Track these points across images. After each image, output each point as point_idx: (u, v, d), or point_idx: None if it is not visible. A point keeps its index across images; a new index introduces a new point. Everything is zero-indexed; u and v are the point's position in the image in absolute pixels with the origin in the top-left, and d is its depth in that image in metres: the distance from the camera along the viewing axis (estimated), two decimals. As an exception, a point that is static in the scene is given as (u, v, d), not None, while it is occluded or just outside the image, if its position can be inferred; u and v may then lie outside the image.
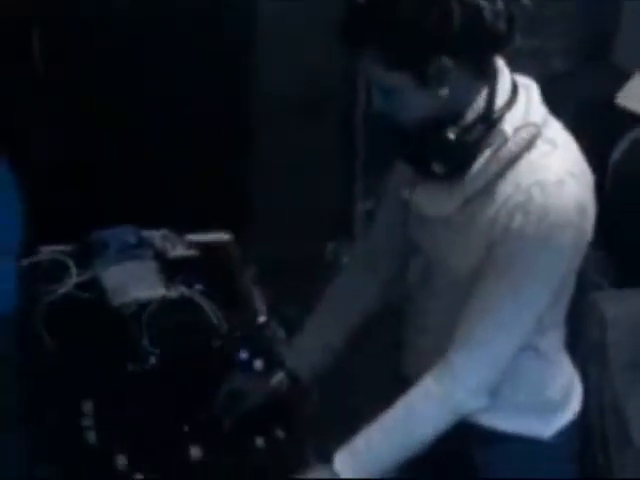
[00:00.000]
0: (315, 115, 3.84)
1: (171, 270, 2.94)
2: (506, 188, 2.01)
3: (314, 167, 3.84)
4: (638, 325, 3.16)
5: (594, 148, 2.12)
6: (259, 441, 2.40)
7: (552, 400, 2.32)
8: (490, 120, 2.00)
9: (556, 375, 2.33)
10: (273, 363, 2.50)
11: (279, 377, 2.45)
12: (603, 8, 4.01)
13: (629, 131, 3.35)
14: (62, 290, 2.86)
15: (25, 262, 2.95)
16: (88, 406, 2.46)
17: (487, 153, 2.01)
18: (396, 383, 2.42)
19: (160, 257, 3.00)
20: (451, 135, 1.99)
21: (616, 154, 3.28)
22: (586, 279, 2.32)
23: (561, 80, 3.76)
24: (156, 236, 3.08)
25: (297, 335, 2.50)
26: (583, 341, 3.13)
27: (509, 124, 2.00)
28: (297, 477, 2.18)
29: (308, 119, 3.83)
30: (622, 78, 3.60)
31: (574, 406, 2.37)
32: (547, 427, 2.31)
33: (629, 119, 3.38)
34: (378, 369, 2.77)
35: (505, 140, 1.99)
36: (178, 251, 3.05)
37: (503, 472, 2.32)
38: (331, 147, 3.89)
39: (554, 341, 2.29)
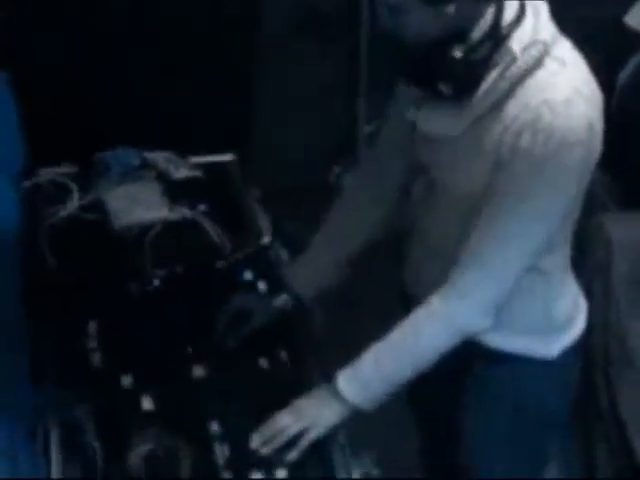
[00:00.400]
0: (319, 37, 3.80)
1: (174, 192, 2.92)
2: (514, 107, 1.99)
3: (318, 90, 3.82)
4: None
5: (601, 69, 2.09)
6: (262, 362, 2.40)
7: (557, 320, 2.33)
8: (497, 38, 1.97)
9: (561, 295, 2.33)
10: (277, 284, 2.50)
11: (283, 298, 2.45)
12: None
13: (637, 52, 3.31)
14: (65, 212, 2.85)
15: (26, 184, 2.94)
16: (92, 327, 2.47)
17: (495, 72, 1.98)
18: (399, 302, 2.45)
19: (163, 179, 2.98)
20: (458, 54, 1.95)
21: (623, 76, 3.26)
22: (592, 200, 2.30)
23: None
24: (159, 158, 3.05)
25: (301, 256, 2.50)
26: (588, 261, 3.14)
27: (517, 42, 1.96)
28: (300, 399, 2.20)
29: (312, 41, 3.80)
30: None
31: (578, 326, 2.37)
32: (552, 347, 2.31)
33: (637, 40, 3.34)
34: (382, 289, 2.75)
35: (513, 58, 1.96)
36: (181, 173, 3.02)
37: (507, 392, 2.35)
38: (335, 70, 3.85)
39: (560, 261, 2.28)
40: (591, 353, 3.14)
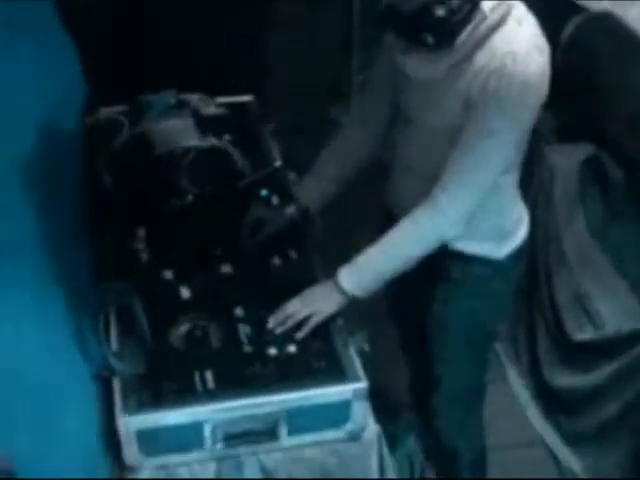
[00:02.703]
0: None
1: (205, 125, 2.86)
2: (483, 57, 1.98)
3: (319, 45, 3.76)
4: (575, 174, 3.15)
5: (546, 30, 2.05)
6: (276, 260, 2.39)
7: (506, 228, 2.33)
8: (474, 2, 1.94)
9: (510, 208, 2.34)
10: (287, 198, 2.49)
11: (291, 208, 2.43)
12: None
13: (574, 17, 3.28)
14: (118, 141, 2.80)
15: (89, 119, 2.91)
16: (141, 232, 2.46)
17: (469, 28, 1.96)
18: (384, 217, 2.43)
19: (196, 115, 2.92)
20: (441, 12, 1.93)
21: (564, 35, 3.23)
22: (537, 133, 2.28)
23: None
24: (192, 98, 3.00)
25: (306, 175, 2.48)
26: (534, 182, 3.13)
27: (486, 4, 1.95)
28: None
29: (314, 6, 3.73)
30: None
31: (522, 233, 2.37)
32: (501, 250, 2.31)
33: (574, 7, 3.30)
34: (367, 204, 2.73)
35: (484, 17, 1.95)
36: (210, 110, 2.97)
37: (466, 287, 2.34)
38: (332, 28, 3.78)
39: (511, 180, 2.27)
40: (534, 256, 3.15)
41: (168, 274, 2.31)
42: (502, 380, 3.31)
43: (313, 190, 2.44)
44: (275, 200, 2.57)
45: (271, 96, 3.42)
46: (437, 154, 2.10)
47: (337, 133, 2.46)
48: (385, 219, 2.40)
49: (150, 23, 3.34)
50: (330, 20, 3.76)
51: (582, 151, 3.17)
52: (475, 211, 2.10)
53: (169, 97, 2.98)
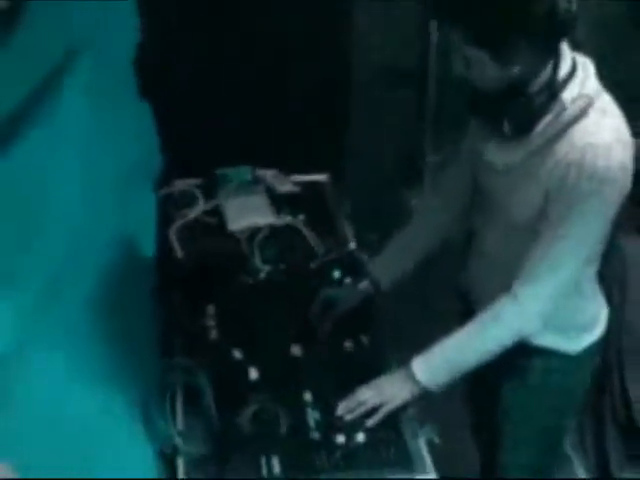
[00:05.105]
0: (396, 85, 3.75)
1: (279, 203, 2.90)
2: (563, 147, 1.94)
3: (394, 128, 3.77)
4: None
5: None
6: (347, 344, 2.35)
7: (583, 323, 2.28)
8: (552, 90, 1.93)
9: (589, 301, 2.29)
10: (359, 276, 2.46)
11: (364, 284, 2.41)
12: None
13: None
14: (192, 215, 2.83)
15: (163, 191, 2.94)
16: (211, 309, 2.43)
17: (549, 117, 1.95)
18: (459, 302, 2.42)
19: (270, 192, 2.96)
20: (521, 101, 1.94)
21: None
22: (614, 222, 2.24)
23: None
24: (268, 175, 3.03)
25: (380, 253, 2.45)
26: (608, 273, 3.07)
27: (568, 94, 1.93)
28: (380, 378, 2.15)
29: (391, 88, 3.75)
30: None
31: (599, 329, 2.32)
32: (578, 344, 2.26)
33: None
34: (440, 289, 2.71)
35: (564, 108, 1.93)
36: (285, 188, 2.99)
37: (537, 379, 2.30)
38: (410, 108, 3.80)
39: (590, 274, 2.22)
40: (608, 345, 3.07)
41: (237, 353, 2.28)
42: (569, 470, 3.22)
43: (387, 266, 2.42)
44: (348, 282, 2.54)
45: (346, 176, 3.43)
46: (515, 243, 2.07)
47: (417, 210, 2.46)
48: (460, 303, 2.38)
49: (230, 97, 3.36)
50: (404, 103, 3.77)
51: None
52: (556, 307, 2.05)
53: (245, 173, 3.01)
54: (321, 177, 3.10)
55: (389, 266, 2.41)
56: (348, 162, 3.58)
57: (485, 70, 1.90)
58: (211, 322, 2.39)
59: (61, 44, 1.92)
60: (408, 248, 2.40)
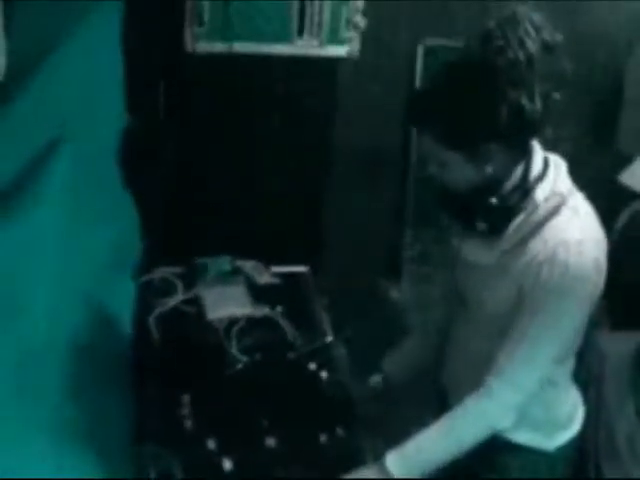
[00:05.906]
0: (374, 173, 3.80)
1: (258, 294, 2.91)
2: (536, 245, 1.96)
3: (372, 220, 3.81)
4: (627, 361, 3.09)
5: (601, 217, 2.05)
6: (323, 436, 2.34)
7: (559, 420, 2.27)
8: (525, 190, 1.97)
9: (564, 400, 2.28)
10: (335, 373, 2.49)
11: (377, 378, 2.44)
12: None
13: (630, 204, 3.30)
14: (171, 303, 2.84)
15: (143, 278, 2.95)
16: (186, 398, 2.42)
17: (521, 216, 1.97)
18: (435, 391, 2.42)
19: (249, 283, 2.98)
20: (493, 201, 1.97)
21: (620, 222, 3.24)
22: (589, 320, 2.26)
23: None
24: (247, 265, 3.06)
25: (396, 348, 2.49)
26: (584, 370, 3.08)
27: (540, 193, 1.96)
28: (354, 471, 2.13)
29: (367, 180, 3.80)
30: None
31: (576, 426, 2.31)
32: (552, 441, 2.25)
33: (630, 195, 3.33)
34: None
35: (536, 206, 1.96)
36: (264, 279, 3.02)
37: (512, 474, 2.27)
38: (386, 202, 3.85)
39: (565, 371, 2.23)
40: (584, 446, 3.06)
41: (211, 443, 2.27)
42: None
43: (398, 363, 2.45)
44: (324, 375, 2.54)
45: (325, 268, 3.45)
46: (491, 338, 2.07)
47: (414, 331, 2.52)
48: (437, 398, 2.37)
49: (212, 187, 3.41)
50: (384, 197, 3.81)
51: (634, 339, 3.13)
52: (528, 402, 2.04)
53: (224, 263, 3.03)
54: (300, 268, 3.13)
55: (401, 362, 2.46)
56: (327, 254, 3.60)
57: (460, 171, 1.94)
58: (186, 411, 2.38)
59: (44, 133, 1.96)
60: (421, 345, 2.46)
